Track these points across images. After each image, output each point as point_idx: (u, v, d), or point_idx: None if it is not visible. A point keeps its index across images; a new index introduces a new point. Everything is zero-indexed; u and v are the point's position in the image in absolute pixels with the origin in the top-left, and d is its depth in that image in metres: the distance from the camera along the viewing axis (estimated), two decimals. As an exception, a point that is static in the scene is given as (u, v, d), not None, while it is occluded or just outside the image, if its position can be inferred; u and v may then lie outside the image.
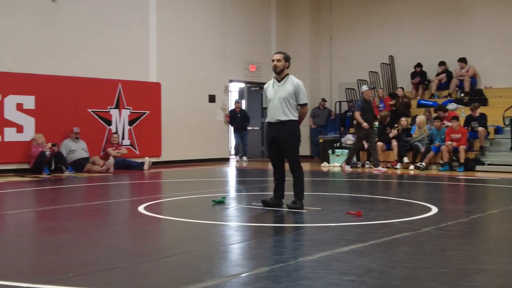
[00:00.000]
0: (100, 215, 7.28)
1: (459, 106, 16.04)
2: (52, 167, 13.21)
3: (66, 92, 14.05)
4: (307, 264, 4.37)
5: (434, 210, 7.08)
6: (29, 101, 13.44)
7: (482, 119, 14.44)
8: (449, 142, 13.76)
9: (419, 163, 14.10)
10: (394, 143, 14.73)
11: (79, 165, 13.68)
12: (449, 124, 14.25)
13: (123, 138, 15.32)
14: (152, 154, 15.68)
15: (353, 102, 18.17)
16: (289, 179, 7.35)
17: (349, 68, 19.35)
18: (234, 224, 6.38)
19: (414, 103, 17.20)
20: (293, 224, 6.48)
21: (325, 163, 15.85)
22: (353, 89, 18.28)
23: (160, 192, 10.67)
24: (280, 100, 7.15)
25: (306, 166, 15.15)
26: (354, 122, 14.34)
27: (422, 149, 14.32)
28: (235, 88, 19.95)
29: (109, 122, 14.99)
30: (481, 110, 14.66)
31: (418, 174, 13.21)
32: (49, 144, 13.28)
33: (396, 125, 15.48)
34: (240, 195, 9.58)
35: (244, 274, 4.08)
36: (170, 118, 16.43)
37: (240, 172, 15.11)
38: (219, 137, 18.11)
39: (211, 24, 17.81)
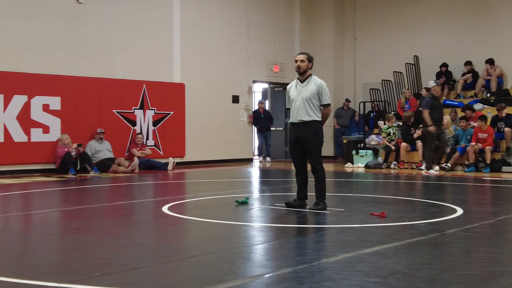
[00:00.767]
0: (124, 215, 7.34)
1: (485, 106, 15.84)
2: (78, 167, 13.37)
3: (91, 93, 14.20)
4: (331, 265, 4.35)
5: (460, 211, 7.00)
6: (55, 102, 13.62)
7: (509, 120, 14.24)
8: (474, 143, 13.60)
9: (445, 164, 13.96)
10: (419, 143, 14.59)
11: (104, 165, 13.81)
12: (475, 124, 14.08)
13: (147, 139, 15.42)
14: (176, 154, 15.77)
15: (375, 102, 18.09)
16: (310, 179, 7.33)
17: (373, 68, 19.24)
18: (257, 224, 6.38)
19: (439, 103, 17.02)
20: (316, 225, 6.46)
21: (349, 164, 15.79)
22: (377, 89, 18.18)
23: (184, 192, 10.72)
24: (303, 100, 7.13)
25: (329, 167, 15.13)
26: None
27: (448, 149, 14.17)
28: (258, 89, 19.94)
29: (133, 123, 15.11)
30: (507, 110, 14.45)
31: (443, 175, 13.08)
32: (75, 145, 13.43)
33: (420, 125, 15.33)
34: (264, 195, 9.57)
35: (267, 275, 4.08)
36: (194, 118, 16.51)
37: (264, 172, 15.11)
38: (242, 138, 18.14)
39: (234, 25, 17.85)
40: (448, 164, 13.84)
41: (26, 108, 13.19)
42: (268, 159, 17.95)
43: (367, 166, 15.06)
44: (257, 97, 19.69)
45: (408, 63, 18.36)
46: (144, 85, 15.26)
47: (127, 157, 14.57)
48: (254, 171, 15.46)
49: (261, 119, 17.96)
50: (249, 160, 18.19)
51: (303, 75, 7.24)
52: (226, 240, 5.44)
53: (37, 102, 13.35)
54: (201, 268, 4.36)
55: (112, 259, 4.60)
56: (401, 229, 5.85)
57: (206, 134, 16.90)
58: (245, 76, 18.21)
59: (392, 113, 16.70)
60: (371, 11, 19.62)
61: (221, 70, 17.37)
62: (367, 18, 19.66)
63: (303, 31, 19.93)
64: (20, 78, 13.09)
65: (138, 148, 14.75)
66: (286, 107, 7.57)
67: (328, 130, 17.68)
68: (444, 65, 17.63)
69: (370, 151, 15.62)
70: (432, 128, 13.11)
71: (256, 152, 19.24)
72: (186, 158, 16.33)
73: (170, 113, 15.85)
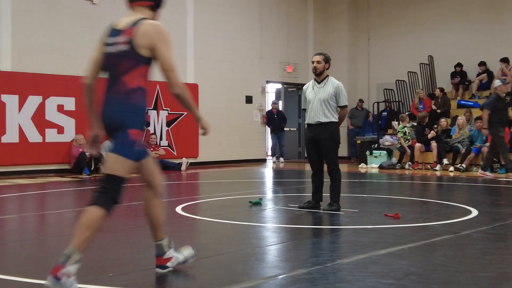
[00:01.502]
0: (139, 216, 7.33)
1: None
2: (92, 168, 13.44)
3: (106, 94, 14.25)
4: (345, 267, 4.34)
5: (475, 212, 6.95)
6: (69, 103, 13.72)
7: (524, 120, 14.10)
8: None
9: (459, 164, 13.87)
10: (434, 144, 14.51)
11: (118, 165, 13.84)
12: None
13: (161, 139, 15.48)
14: (189, 155, 15.81)
15: (389, 102, 18.01)
16: (326, 180, 7.31)
17: (387, 68, 19.15)
18: (271, 225, 6.38)
19: (454, 103, 16.94)
20: (330, 226, 6.45)
21: (362, 164, 15.74)
22: (391, 89, 18.10)
23: (197, 193, 10.74)
24: (320, 101, 7.11)
25: (343, 168, 15.08)
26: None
27: (463, 150, 14.07)
28: (272, 89, 19.94)
29: (147, 123, 15.16)
30: (523, 110, 14.32)
31: (458, 175, 13.00)
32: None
33: (435, 126, 15.27)
34: (277, 196, 9.57)
35: (281, 276, 4.08)
36: (207, 119, 15.91)
37: (277, 173, 15.10)
38: (256, 138, 18.14)
39: (248, 25, 17.86)
40: (463, 165, 13.75)
41: (41, 108, 13.29)
42: (281, 159, 17.94)
43: (381, 167, 15.00)
44: (271, 97, 19.69)
45: (422, 63, 18.26)
46: (157, 86, 15.30)
47: (141, 157, 14.60)
48: (268, 171, 15.46)
49: (274, 120, 17.95)
50: (263, 161, 18.19)
51: (320, 76, 7.23)
52: (239, 241, 5.45)
53: (52, 102, 13.46)
54: (215, 269, 4.36)
55: (127, 259, 4.62)
56: (415, 230, 5.83)
57: (220, 134, 16.91)
58: (259, 76, 18.22)
59: (406, 113, 16.61)
60: (385, 11, 19.53)
61: (234, 70, 17.39)
62: (381, 18, 19.58)
63: (316, 31, 19.90)
64: (35, 78, 13.20)
65: (151, 149, 14.80)
66: (302, 107, 7.54)
67: (342, 131, 17.46)
68: (459, 65, 17.52)
69: (384, 152, 15.57)
70: (485, 132, 12.40)
71: (269, 153, 19.25)
72: (200, 159, 16.37)
73: (183, 114, 15.89)
